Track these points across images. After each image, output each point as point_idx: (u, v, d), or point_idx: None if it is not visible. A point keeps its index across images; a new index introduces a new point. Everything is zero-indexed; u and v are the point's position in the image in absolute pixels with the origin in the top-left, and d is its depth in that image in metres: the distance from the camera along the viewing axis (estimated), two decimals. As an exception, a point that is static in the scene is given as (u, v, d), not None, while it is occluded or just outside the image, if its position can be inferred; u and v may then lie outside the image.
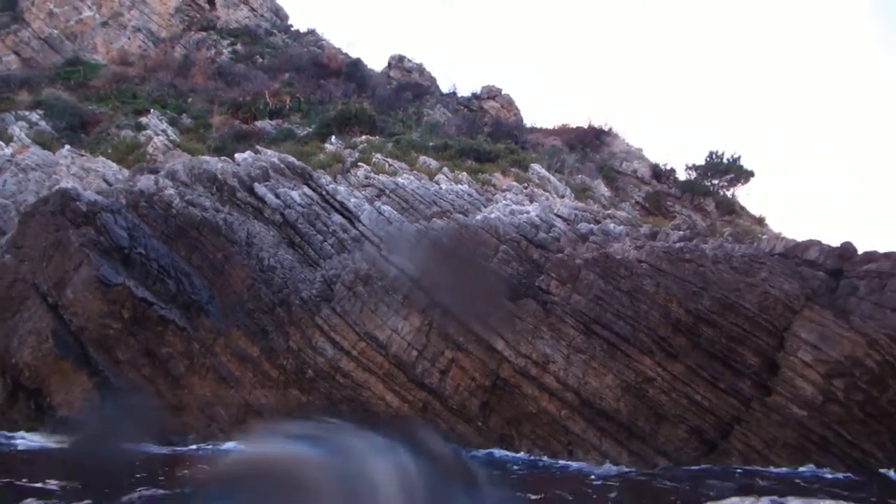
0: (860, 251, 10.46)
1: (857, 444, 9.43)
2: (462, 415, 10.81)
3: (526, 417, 10.54)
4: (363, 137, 19.80)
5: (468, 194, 16.07)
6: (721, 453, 9.81)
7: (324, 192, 15.19)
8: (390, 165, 17.80)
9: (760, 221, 17.85)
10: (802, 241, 10.83)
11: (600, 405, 10.21)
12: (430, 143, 19.50)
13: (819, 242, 10.67)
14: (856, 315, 9.73)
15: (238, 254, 12.52)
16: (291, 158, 16.38)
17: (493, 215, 13.69)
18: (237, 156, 16.12)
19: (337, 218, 14.50)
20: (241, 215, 13.73)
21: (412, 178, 16.67)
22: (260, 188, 14.51)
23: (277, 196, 14.54)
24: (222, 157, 16.15)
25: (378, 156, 18.27)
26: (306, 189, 15.12)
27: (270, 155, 16.81)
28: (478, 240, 12.90)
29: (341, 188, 15.47)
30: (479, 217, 13.50)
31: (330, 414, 11.09)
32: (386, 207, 14.56)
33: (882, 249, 10.18)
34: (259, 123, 21.39)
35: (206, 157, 15.80)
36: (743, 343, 10.03)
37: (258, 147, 17.45)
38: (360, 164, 17.76)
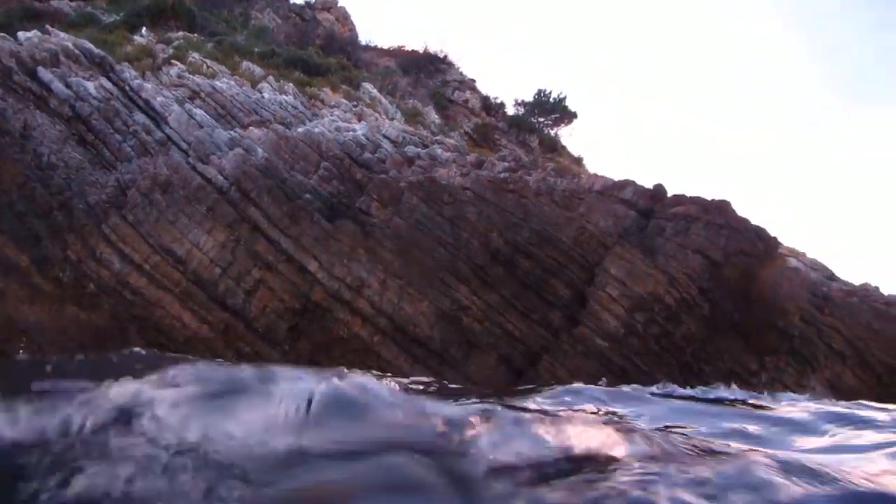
0: (670, 193, 10.51)
1: (650, 374, 9.57)
2: (268, 338, 9.71)
3: (336, 342, 9.67)
4: (180, 33, 17.34)
5: (293, 106, 14.56)
6: (527, 381, 9.60)
7: (127, 88, 12.96)
8: (209, 67, 15.70)
9: (579, 161, 18.02)
10: (619, 181, 10.70)
11: (413, 331, 9.57)
12: (256, 49, 17.50)
13: (634, 183, 10.58)
14: (661, 254, 9.77)
15: (9, 146, 10.23)
16: (89, 45, 13.83)
17: (316, 129, 12.40)
18: (20, 34, 13.28)
19: (140, 117, 12.44)
20: (18, 103, 11.26)
21: (232, 82, 14.80)
22: (45, 74, 12.02)
23: (68, 86, 12.14)
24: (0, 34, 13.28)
25: (195, 55, 16.06)
26: (105, 81, 12.80)
27: (63, 38, 14.10)
28: (298, 153, 11.59)
29: (148, 85, 13.32)
30: (301, 130, 12.15)
31: (115, 333, 9.54)
32: (198, 111, 12.73)
33: (689, 193, 10.28)
34: (56, 3, 18.03)
35: (-22, 32, 12.88)
36: (556, 276, 9.78)
37: (49, 28, 14.60)
38: (173, 61, 15.49)
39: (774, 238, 9.99)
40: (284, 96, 14.82)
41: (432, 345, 9.57)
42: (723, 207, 9.80)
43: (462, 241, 9.72)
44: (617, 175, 10.86)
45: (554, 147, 18.35)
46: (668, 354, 9.69)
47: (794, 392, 10.54)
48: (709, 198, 10.00)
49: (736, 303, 9.67)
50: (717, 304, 9.65)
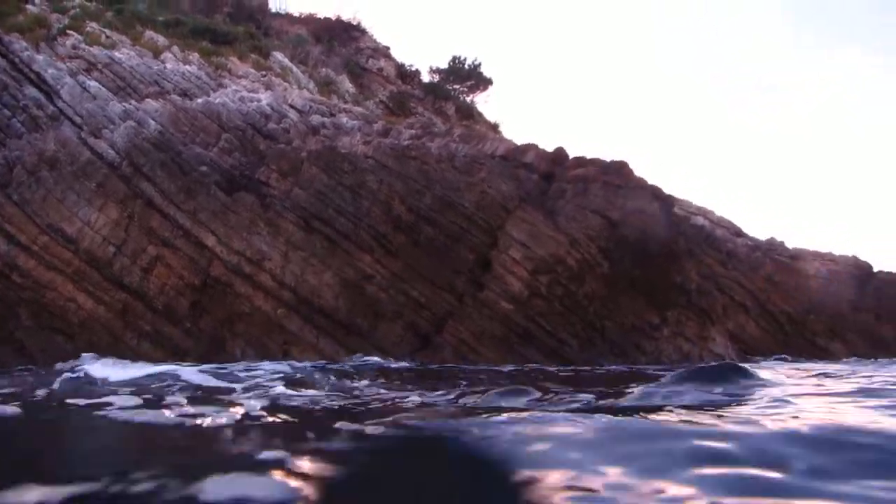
0: (571, 156, 10.57)
1: (554, 334, 9.72)
2: (169, 317, 9.44)
3: (239, 318, 9.47)
4: (77, 1, 16.39)
5: (197, 77, 13.99)
6: (434, 347, 9.62)
7: (16, 60, 12.23)
8: (108, 37, 14.91)
9: (495, 128, 17.96)
10: (521, 145, 10.72)
11: (318, 303, 9.44)
12: (160, 18, 16.71)
13: (536, 147, 10.61)
14: (562, 216, 9.86)
15: None
16: (-27, 16, 13.02)
17: (217, 100, 11.96)
18: None
19: (31, 91, 11.77)
20: None
21: (132, 53, 14.11)
22: (-79, 48, 11.28)
23: (-52, 60, 11.43)
24: None
25: (94, 25, 15.23)
26: (-10, 54, 12.08)
27: (-57, 9, 13.22)
28: (197, 125, 11.20)
29: (40, 57, 12.59)
30: (200, 101, 11.71)
31: (5, 318, 9.11)
32: (92, 83, 12.11)
33: (590, 155, 10.36)
34: (-61, -28, 16.73)
35: None
36: (460, 241, 9.76)
37: (-73, -1, 13.62)
38: (69, 31, 14.67)
39: (670, 196, 10.20)
40: (188, 67, 14.23)
41: (338, 315, 9.47)
42: (620, 168, 9.93)
43: (364, 210, 9.59)
44: (534, 139, 10.87)
45: (470, 114, 18.24)
46: (571, 314, 9.82)
47: (695, 343, 10.89)
48: (608, 159, 10.10)
49: (635, 260, 9.86)
50: (617, 263, 9.82)
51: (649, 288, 10.09)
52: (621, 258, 9.78)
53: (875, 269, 15.45)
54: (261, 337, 9.46)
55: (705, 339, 10.97)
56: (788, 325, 14.42)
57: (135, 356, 9.10)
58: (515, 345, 9.52)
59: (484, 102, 19.77)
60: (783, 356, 12.11)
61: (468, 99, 19.37)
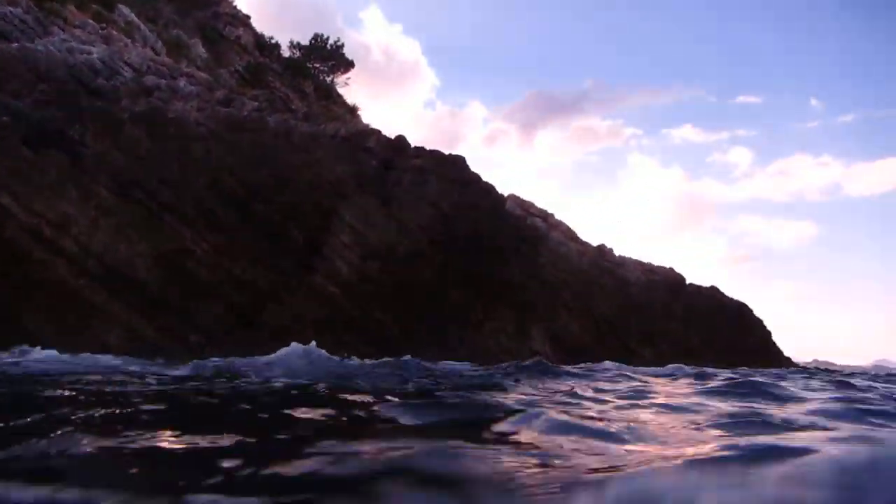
0: (413, 146, 10.44)
1: (379, 321, 9.55)
2: (-49, 281, 8.28)
3: (37, 286, 8.48)
4: None
5: (21, 20, 12.48)
6: (254, 328, 9.14)
7: None
8: (-83, -35, 13.00)
9: (353, 111, 17.53)
10: (364, 129, 10.47)
11: (129, 275, 8.65)
12: (-12, -48, 14.78)
13: (378, 132, 10.39)
14: (397, 204, 9.69)
15: None
16: None
17: (39, 48, 10.71)
18: None
19: None
20: None
21: (-55, -15, 12.38)
22: None
23: None
24: None
25: None
26: None
27: None
28: (9, 71, 9.93)
29: None
30: (15, 45, 10.41)
31: None
32: None
33: (430, 147, 10.28)
34: None
35: None
36: (291, 221, 9.34)
37: None
38: None
39: (501, 195, 10.33)
40: (13, 8, 12.67)
41: (150, 290, 8.73)
42: (457, 162, 9.92)
43: (189, 180, 8.91)
44: (389, 127, 10.59)
45: (329, 94, 17.69)
46: (397, 302, 9.69)
47: (515, 339, 11.11)
48: (446, 152, 10.06)
49: (465, 254, 9.89)
50: (448, 255, 9.80)
51: (476, 282, 10.16)
52: (451, 251, 9.78)
53: (687, 282, 16.66)
54: (60, 310, 8.53)
55: (525, 336, 11.26)
56: (606, 327, 15.16)
57: None
58: (337, 329, 9.25)
59: (344, 84, 19.26)
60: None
61: (328, 79, 18.76)
